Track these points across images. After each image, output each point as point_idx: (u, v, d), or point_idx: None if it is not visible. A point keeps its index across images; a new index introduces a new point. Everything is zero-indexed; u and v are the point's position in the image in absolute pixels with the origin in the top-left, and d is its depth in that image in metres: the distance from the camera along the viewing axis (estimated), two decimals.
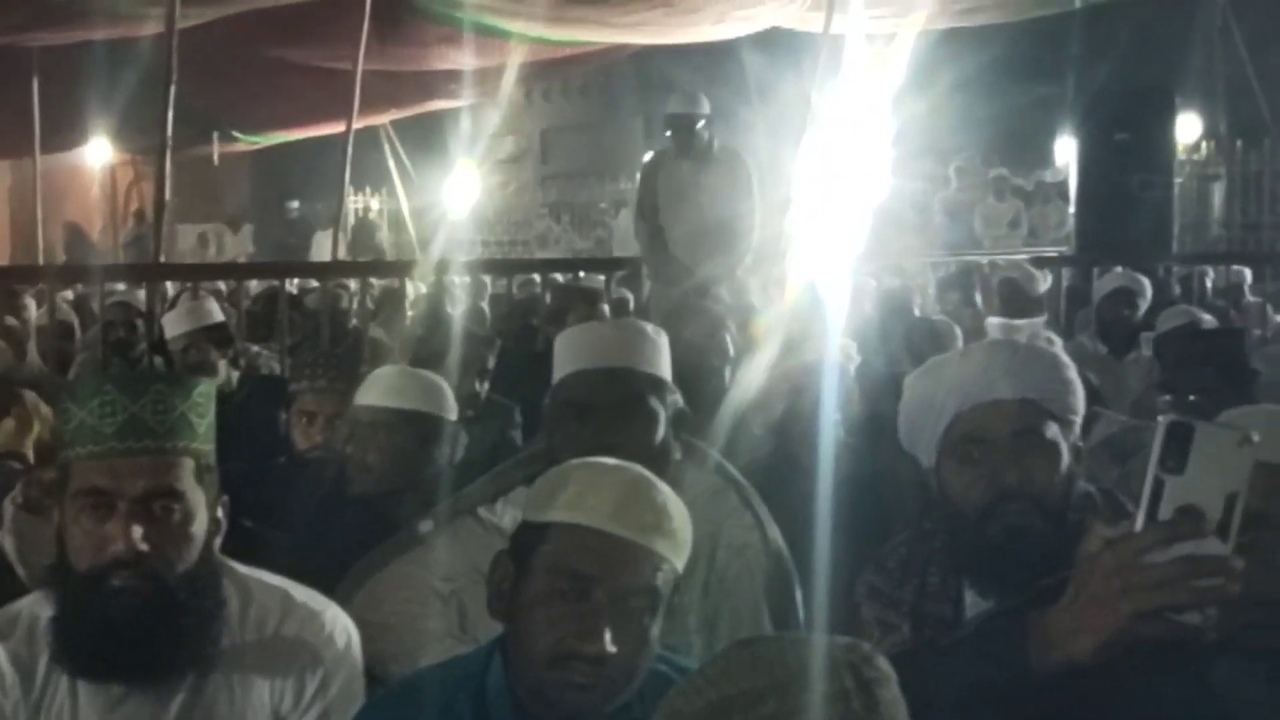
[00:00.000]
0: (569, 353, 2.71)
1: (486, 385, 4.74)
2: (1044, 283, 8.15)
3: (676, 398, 2.73)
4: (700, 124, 7.31)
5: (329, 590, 2.77)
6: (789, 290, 7.44)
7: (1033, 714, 1.65)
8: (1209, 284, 9.29)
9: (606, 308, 6.09)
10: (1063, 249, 10.11)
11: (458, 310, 8.05)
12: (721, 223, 7.28)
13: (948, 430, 2.35)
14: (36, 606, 2.17)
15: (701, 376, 4.25)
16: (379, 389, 3.31)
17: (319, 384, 3.85)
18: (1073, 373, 2.42)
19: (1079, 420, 2.42)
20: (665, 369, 2.73)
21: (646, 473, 1.95)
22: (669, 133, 7.46)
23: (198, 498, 2.12)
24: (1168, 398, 4.73)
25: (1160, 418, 1.58)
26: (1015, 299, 7.51)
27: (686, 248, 7.32)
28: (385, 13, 10.68)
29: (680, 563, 1.93)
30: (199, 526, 2.12)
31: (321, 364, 3.96)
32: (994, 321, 3.96)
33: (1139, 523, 1.57)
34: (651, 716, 1.76)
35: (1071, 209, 9.55)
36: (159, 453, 2.07)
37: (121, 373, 4.71)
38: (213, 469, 2.18)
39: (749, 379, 4.23)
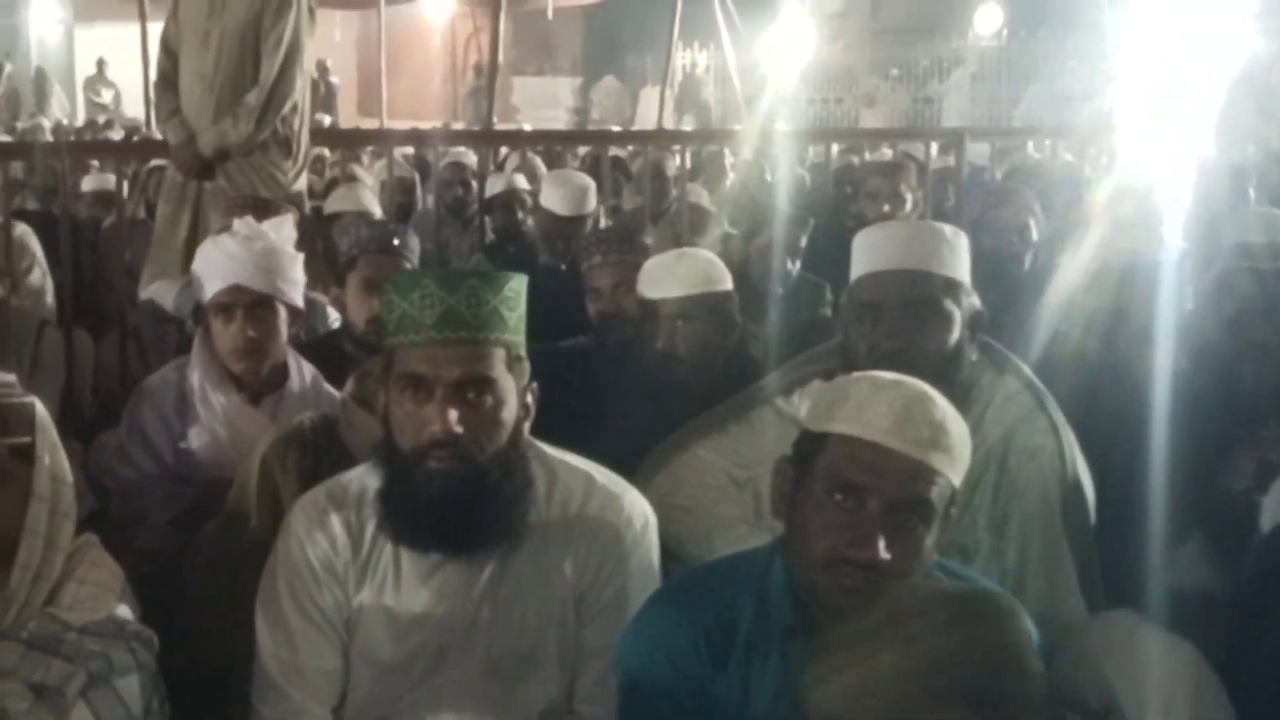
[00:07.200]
0: (864, 253, 2.73)
1: (798, 263, 4.79)
2: None
3: (974, 300, 2.72)
4: None
5: (630, 470, 2.93)
6: (1119, 165, 7.10)
7: None
8: None
9: (906, 187, 5.51)
10: None
11: (777, 176, 8.08)
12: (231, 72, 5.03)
13: None
14: (366, 478, 2.37)
15: (1003, 267, 4.20)
16: (672, 279, 3.34)
17: (598, 260, 3.96)
18: None
19: None
20: (963, 271, 2.72)
21: (927, 388, 1.98)
22: None
23: (508, 385, 2.27)
24: None
25: None
26: None
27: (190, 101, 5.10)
28: None
29: (957, 478, 1.96)
30: (509, 412, 2.27)
31: (604, 240, 4.08)
32: None
33: None
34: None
35: None
36: (472, 343, 2.22)
37: (439, 269, 5.01)
38: (522, 359, 2.32)
39: (1071, 265, 4.09)
